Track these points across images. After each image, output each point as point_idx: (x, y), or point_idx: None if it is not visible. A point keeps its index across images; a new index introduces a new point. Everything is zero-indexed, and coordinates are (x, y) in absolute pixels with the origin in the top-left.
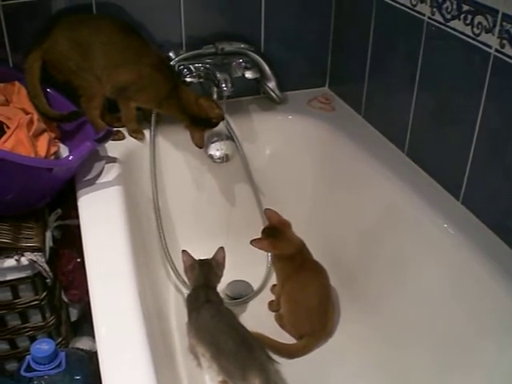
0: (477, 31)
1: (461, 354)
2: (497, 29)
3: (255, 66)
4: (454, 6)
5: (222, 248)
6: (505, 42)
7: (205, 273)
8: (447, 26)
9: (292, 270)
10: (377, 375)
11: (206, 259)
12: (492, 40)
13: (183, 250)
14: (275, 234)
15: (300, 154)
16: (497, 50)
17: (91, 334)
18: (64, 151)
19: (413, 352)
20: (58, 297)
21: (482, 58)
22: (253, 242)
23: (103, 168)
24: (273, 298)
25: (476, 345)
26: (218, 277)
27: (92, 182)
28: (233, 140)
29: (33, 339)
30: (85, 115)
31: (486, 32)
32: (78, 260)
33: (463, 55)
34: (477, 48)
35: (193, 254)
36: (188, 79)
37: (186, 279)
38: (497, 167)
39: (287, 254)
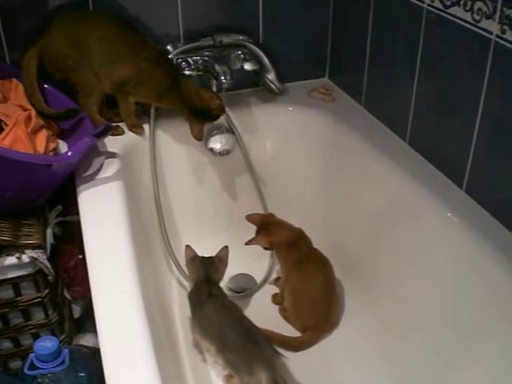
0: (477, 17)
1: (466, 344)
2: (497, 14)
3: (254, 58)
4: None
5: (226, 247)
6: (505, 27)
7: (206, 267)
8: (447, 13)
9: (296, 261)
10: (381, 366)
11: (209, 256)
12: (493, 26)
13: (187, 245)
14: (265, 227)
15: (301, 146)
16: (498, 36)
17: (95, 330)
18: (63, 147)
19: (418, 342)
20: (60, 294)
21: (482, 44)
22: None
23: (103, 163)
24: (276, 290)
25: (481, 334)
26: (220, 273)
27: (92, 177)
28: (233, 133)
29: (36, 337)
30: (82, 113)
31: (487, 18)
32: (80, 256)
33: (464, 42)
34: (477, 34)
35: (195, 248)
36: (187, 72)
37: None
38: (500, 154)
39: (287, 241)
